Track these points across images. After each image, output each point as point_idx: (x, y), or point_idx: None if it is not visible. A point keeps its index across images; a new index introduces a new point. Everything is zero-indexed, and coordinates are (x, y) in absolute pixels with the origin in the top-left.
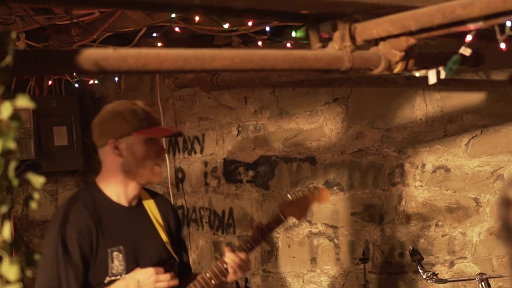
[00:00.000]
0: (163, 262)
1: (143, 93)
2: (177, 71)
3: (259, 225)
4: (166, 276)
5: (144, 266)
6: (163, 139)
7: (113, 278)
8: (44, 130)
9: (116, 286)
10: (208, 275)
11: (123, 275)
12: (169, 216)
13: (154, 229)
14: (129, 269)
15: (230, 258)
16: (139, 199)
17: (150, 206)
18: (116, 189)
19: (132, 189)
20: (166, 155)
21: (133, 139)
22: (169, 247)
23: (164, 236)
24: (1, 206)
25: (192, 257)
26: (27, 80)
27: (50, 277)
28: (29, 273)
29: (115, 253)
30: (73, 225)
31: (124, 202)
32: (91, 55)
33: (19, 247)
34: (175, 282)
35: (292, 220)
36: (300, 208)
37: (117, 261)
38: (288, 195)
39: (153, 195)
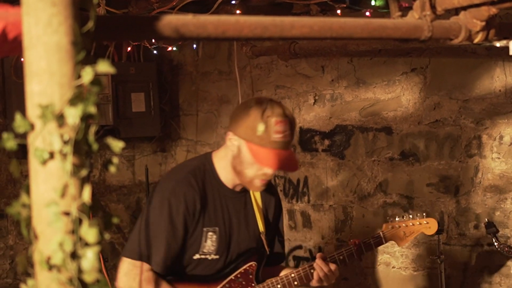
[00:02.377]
0: (253, 252)
1: (220, 61)
2: (255, 39)
3: (357, 242)
4: None
5: (234, 251)
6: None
7: (202, 256)
8: (122, 96)
9: None
10: (293, 275)
11: (212, 255)
12: (270, 204)
13: (253, 217)
14: (219, 250)
15: (319, 266)
16: None
17: (255, 192)
18: (226, 171)
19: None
20: None
21: (245, 144)
22: (263, 237)
23: (261, 226)
24: (81, 170)
25: None
26: (107, 47)
27: (147, 241)
28: (107, 236)
29: (210, 233)
30: (182, 196)
31: (230, 184)
32: (171, 21)
33: (97, 211)
34: None
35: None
36: (405, 235)
37: (210, 241)
38: (397, 218)
39: None
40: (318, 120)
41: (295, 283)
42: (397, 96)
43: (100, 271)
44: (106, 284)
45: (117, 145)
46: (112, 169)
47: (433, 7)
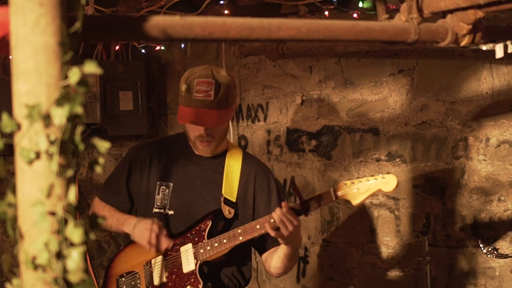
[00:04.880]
0: (212, 212)
1: (208, 60)
2: (242, 40)
3: (305, 200)
4: (162, 241)
5: (191, 209)
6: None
7: (156, 210)
8: (110, 94)
9: (121, 218)
10: (239, 231)
11: (167, 210)
12: (250, 177)
13: (219, 181)
14: (173, 205)
15: (277, 213)
16: (222, 153)
17: (234, 162)
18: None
19: None
20: (230, 123)
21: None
22: (222, 199)
23: (227, 191)
24: (67, 170)
25: None
26: (95, 45)
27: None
28: (92, 236)
29: (162, 187)
30: (134, 153)
31: (197, 150)
32: (158, 22)
33: (83, 210)
34: (165, 245)
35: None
36: (359, 191)
37: (162, 195)
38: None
39: (247, 158)
40: (305, 120)
41: (240, 238)
42: (384, 97)
43: (86, 271)
44: (91, 284)
45: (103, 145)
46: (98, 169)
47: (420, 10)
